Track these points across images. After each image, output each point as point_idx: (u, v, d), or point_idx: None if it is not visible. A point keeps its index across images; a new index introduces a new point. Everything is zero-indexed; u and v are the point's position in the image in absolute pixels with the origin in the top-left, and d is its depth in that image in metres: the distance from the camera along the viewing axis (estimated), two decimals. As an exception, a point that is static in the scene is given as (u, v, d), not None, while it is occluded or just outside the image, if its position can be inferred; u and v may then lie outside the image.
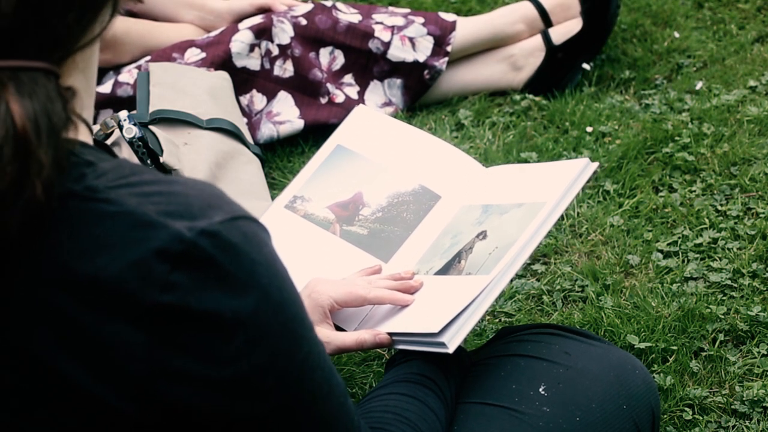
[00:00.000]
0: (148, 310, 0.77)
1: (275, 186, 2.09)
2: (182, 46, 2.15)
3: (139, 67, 2.11)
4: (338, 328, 1.33)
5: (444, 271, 1.33)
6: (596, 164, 1.33)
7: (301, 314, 0.85)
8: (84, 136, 0.84)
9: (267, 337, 0.81)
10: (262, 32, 2.17)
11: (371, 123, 1.56)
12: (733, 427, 1.52)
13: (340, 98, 2.23)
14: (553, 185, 1.32)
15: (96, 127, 1.87)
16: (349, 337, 1.26)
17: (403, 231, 1.44)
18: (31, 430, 0.80)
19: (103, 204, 0.78)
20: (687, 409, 1.54)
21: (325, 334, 1.25)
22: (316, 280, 1.32)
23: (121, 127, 1.81)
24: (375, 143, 1.53)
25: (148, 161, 1.80)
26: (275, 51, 2.19)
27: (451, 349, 1.19)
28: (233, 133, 1.97)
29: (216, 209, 0.80)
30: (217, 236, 0.78)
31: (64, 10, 0.78)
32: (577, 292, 1.78)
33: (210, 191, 0.82)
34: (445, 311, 1.21)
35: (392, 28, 2.26)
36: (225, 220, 0.79)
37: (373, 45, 2.25)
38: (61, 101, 0.77)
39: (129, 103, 2.04)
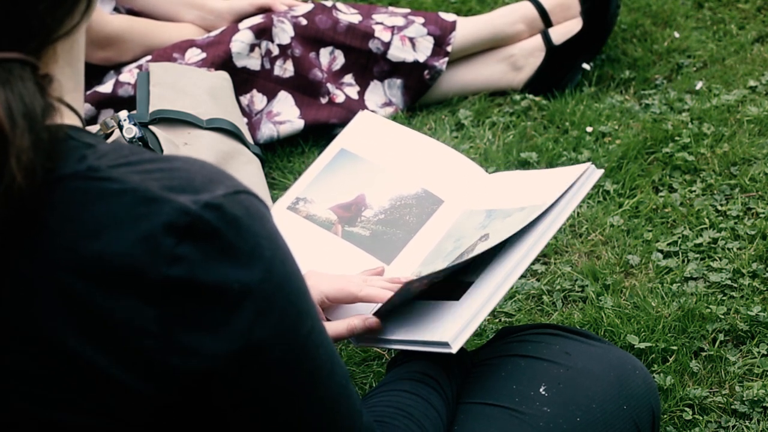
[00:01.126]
0: (156, 284, 0.77)
1: (275, 186, 2.09)
2: (183, 46, 2.15)
3: (140, 67, 2.11)
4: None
5: None
6: (601, 171, 1.33)
7: (304, 289, 0.86)
8: (74, 123, 0.84)
9: (273, 309, 0.82)
10: (263, 32, 2.18)
11: (375, 128, 1.56)
12: (733, 427, 1.52)
13: (340, 98, 2.23)
14: (556, 190, 1.32)
15: (96, 127, 1.87)
16: (340, 326, 1.27)
17: (406, 234, 1.44)
18: (53, 416, 0.80)
19: (106, 182, 0.78)
20: (687, 409, 1.54)
21: None
22: (311, 272, 1.33)
23: (121, 127, 1.81)
24: (378, 147, 1.53)
25: (149, 161, 1.80)
26: (275, 51, 2.19)
27: (454, 349, 1.19)
28: (233, 133, 1.97)
29: (217, 183, 0.81)
30: (220, 209, 0.79)
31: (35, 2, 0.79)
32: (577, 292, 1.78)
33: (210, 167, 0.83)
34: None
35: (392, 28, 2.26)
36: (227, 194, 0.80)
37: (373, 45, 2.25)
38: (38, 88, 0.77)
39: (130, 102, 2.04)
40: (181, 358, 0.79)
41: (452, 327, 1.20)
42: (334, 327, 1.26)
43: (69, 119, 0.84)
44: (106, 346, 0.78)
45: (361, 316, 1.27)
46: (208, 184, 0.80)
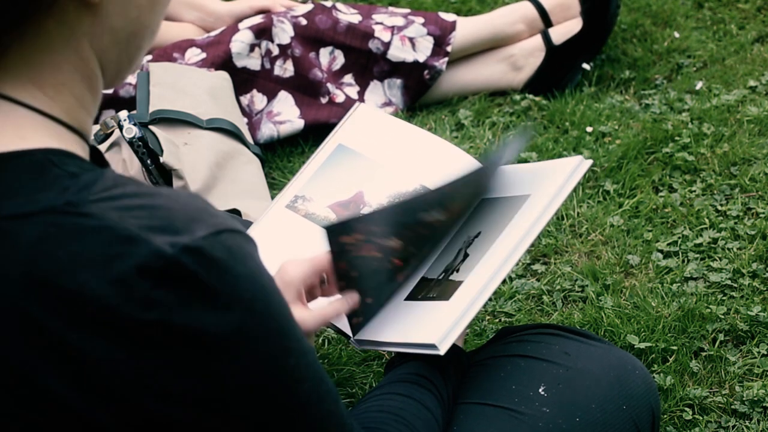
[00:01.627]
0: (131, 327, 0.76)
1: (275, 186, 2.09)
2: (183, 46, 2.15)
3: (141, 67, 2.11)
4: (336, 329, 1.34)
5: None
6: (590, 162, 1.32)
7: (287, 325, 0.83)
8: (72, 145, 0.83)
9: (254, 351, 0.80)
10: (263, 32, 2.18)
11: (373, 122, 1.56)
12: (733, 427, 1.52)
13: (340, 98, 2.23)
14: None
15: (96, 127, 1.87)
16: (326, 310, 1.20)
17: None
18: None
19: (84, 218, 0.76)
20: (687, 409, 1.54)
21: (300, 313, 1.20)
22: (287, 263, 1.27)
23: (121, 127, 1.82)
24: (376, 143, 1.53)
25: (148, 161, 1.81)
26: (275, 51, 2.19)
27: (442, 351, 1.18)
28: (233, 133, 1.97)
29: (199, 223, 0.78)
30: (199, 252, 0.77)
31: None
32: (577, 292, 1.78)
33: (194, 204, 0.80)
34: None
35: (392, 28, 2.26)
36: (208, 235, 0.78)
37: (373, 45, 2.25)
38: None
39: (130, 102, 2.05)
40: (153, 400, 0.77)
41: (439, 328, 1.19)
42: (319, 314, 1.20)
43: (64, 141, 0.82)
44: (74, 380, 0.76)
45: (341, 297, 1.22)
46: (190, 223, 0.78)
